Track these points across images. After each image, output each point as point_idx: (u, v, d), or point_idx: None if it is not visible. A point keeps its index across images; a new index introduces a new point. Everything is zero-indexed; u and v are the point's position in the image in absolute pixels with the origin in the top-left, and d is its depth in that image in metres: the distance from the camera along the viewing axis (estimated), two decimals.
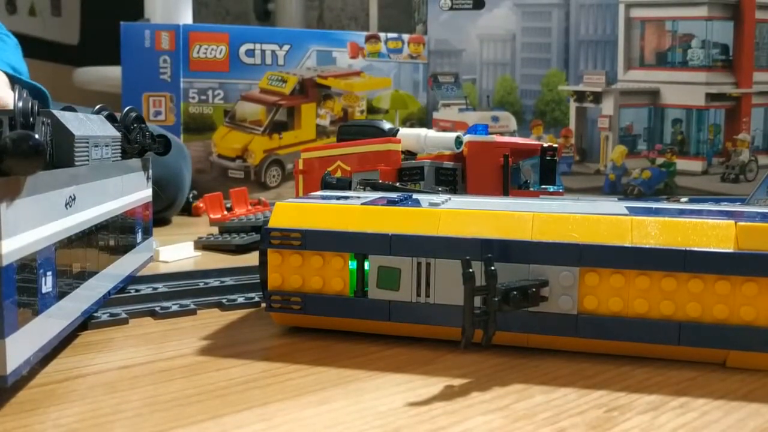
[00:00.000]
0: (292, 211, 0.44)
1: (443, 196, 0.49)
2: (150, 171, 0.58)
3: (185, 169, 1.02)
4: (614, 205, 0.45)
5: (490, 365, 0.39)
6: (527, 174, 0.63)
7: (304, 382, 0.36)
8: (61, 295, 0.36)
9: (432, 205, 0.44)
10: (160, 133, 0.57)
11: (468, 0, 1.26)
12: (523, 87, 1.29)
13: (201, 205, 1.06)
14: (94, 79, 1.79)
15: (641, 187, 1.27)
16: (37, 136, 0.30)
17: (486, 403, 0.34)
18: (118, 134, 0.49)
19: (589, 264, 0.38)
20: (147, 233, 0.58)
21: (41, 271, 0.33)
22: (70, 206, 0.37)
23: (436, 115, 1.30)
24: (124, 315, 0.47)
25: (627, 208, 0.43)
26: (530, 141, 0.64)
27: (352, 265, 0.42)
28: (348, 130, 0.67)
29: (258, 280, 0.45)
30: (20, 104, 0.32)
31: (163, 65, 1.20)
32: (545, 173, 0.62)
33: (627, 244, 0.38)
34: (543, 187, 0.62)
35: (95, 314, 0.46)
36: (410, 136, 0.63)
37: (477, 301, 0.36)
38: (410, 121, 1.30)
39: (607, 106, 1.27)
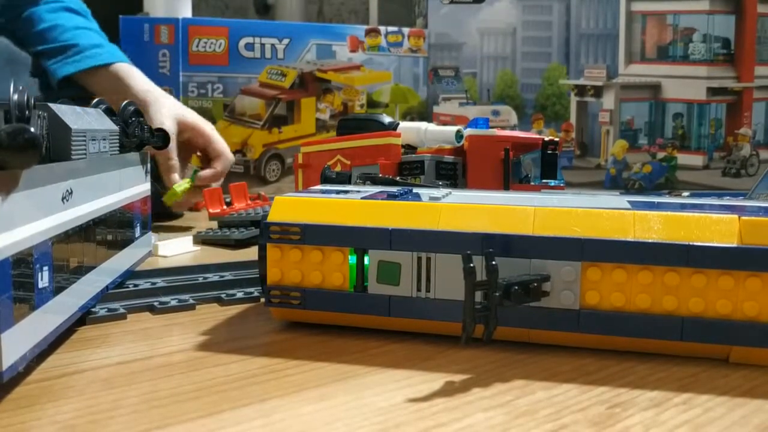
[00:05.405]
0: (292, 205, 0.43)
1: (444, 191, 0.49)
2: (149, 165, 0.58)
3: None
4: (616, 200, 0.45)
5: (491, 361, 0.39)
6: (528, 168, 0.63)
7: (304, 378, 0.36)
8: (58, 290, 0.36)
9: (432, 199, 0.43)
10: (158, 126, 0.57)
11: None
12: (523, 81, 1.28)
13: (200, 199, 1.05)
14: None
15: (642, 182, 1.26)
16: (32, 129, 0.29)
17: (487, 399, 0.33)
18: (115, 128, 0.48)
19: (591, 259, 0.38)
20: (145, 228, 0.57)
21: (38, 265, 0.32)
22: (67, 200, 0.37)
23: (436, 109, 1.30)
24: (122, 310, 0.47)
25: (629, 202, 0.43)
26: (531, 135, 0.64)
27: (352, 259, 0.42)
28: (348, 124, 0.67)
29: (257, 275, 0.45)
30: (15, 97, 0.32)
31: (162, 59, 1.19)
32: (546, 167, 0.62)
33: (629, 239, 0.38)
34: (544, 181, 0.62)
35: (93, 309, 0.46)
36: (410, 130, 0.63)
37: (478, 296, 0.35)
38: (410, 115, 1.30)
39: (608, 101, 1.26)
